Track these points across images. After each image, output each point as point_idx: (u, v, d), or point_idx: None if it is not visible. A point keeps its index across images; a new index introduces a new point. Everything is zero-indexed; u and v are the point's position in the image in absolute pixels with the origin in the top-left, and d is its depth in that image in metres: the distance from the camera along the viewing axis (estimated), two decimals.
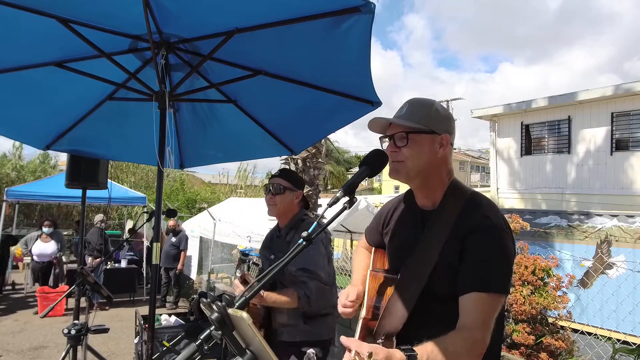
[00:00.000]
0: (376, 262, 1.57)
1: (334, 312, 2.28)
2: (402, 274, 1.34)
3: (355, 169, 6.83)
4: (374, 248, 1.63)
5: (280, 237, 2.36)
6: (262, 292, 1.96)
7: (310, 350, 1.24)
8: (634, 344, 4.52)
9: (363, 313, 1.38)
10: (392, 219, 1.53)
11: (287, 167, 6.48)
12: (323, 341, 2.23)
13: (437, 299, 1.28)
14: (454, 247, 1.26)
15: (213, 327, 1.02)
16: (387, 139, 1.38)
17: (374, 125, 1.40)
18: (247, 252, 2.45)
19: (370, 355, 0.95)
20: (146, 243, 9.56)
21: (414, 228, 1.39)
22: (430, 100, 1.40)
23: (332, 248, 12.12)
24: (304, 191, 6.42)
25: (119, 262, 9.10)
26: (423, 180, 1.37)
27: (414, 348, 1.08)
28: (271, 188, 2.31)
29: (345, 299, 1.44)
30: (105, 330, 3.14)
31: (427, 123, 1.32)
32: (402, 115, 1.36)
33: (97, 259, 7.88)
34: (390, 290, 1.35)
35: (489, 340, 1.17)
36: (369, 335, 1.34)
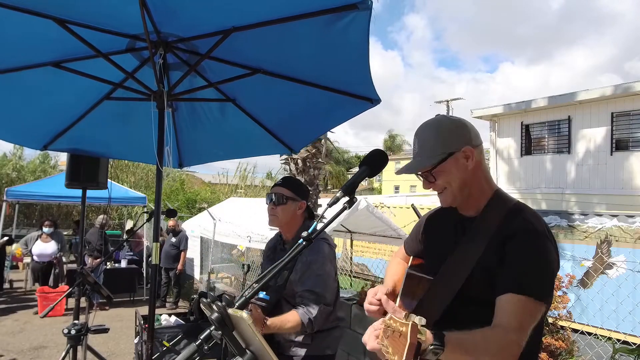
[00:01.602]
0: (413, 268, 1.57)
1: (340, 324, 2.26)
2: (439, 274, 1.35)
3: (355, 169, 6.82)
4: (412, 257, 1.62)
5: (285, 251, 2.25)
6: (265, 320, 1.91)
7: None
8: (634, 344, 4.51)
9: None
10: (431, 226, 1.55)
11: (287, 167, 6.48)
12: (327, 356, 2.19)
13: (474, 303, 1.27)
14: (494, 252, 1.25)
15: (213, 327, 1.02)
16: (420, 177, 1.41)
17: (402, 173, 1.42)
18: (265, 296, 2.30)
19: (407, 315, 0.96)
20: (146, 243, 9.55)
21: (454, 233, 1.40)
22: (436, 123, 1.38)
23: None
24: None
25: (119, 262, 9.10)
26: (468, 196, 1.37)
27: (444, 332, 1.07)
28: (273, 198, 2.20)
29: (372, 296, 1.42)
30: (105, 330, 3.14)
31: (442, 149, 1.32)
32: (417, 154, 1.38)
33: (97, 259, 7.88)
34: (423, 291, 1.36)
35: (524, 347, 1.14)
36: None
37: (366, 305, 1.43)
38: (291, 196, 2.19)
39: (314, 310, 2.00)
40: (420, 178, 1.40)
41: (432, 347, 1.04)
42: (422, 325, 0.98)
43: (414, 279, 1.41)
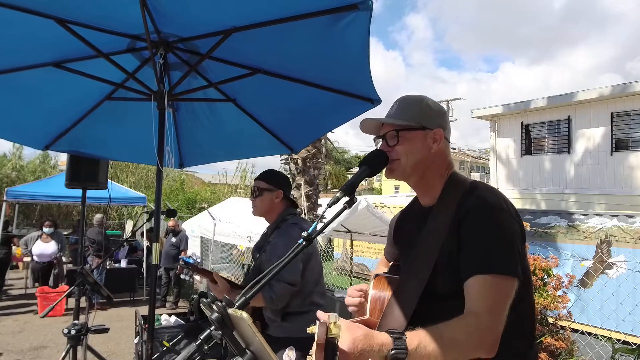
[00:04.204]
0: (391, 272, 1.54)
1: (314, 309, 2.31)
2: (402, 271, 1.31)
3: (355, 169, 6.82)
4: (391, 263, 1.60)
5: (267, 236, 2.44)
6: (231, 291, 2.13)
7: (286, 354, 1.28)
8: (634, 344, 4.51)
9: (367, 314, 1.35)
10: (401, 228, 1.52)
11: (287, 167, 6.48)
12: (303, 338, 2.25)
13: (442, 297, 1.20)
14: (453, 235, 1.19)
15: (213, 327, 1.02)
16: (380, 139, 1.37)
17: (365, 127, 1.39)
18: (188, 260, 2.61)
19: (335, 323, 0.91)
20: (146, 243, 9.56)
21: (417, 227, 1.35)
22: (420, 96, 1.39)
23: (332, 248, 12.15)
24: (305, 191, 6.37)
25: (119, 262, 9.11)
26: (420, 177, 1.34)
27: (405, 332, 1.01)
28: (252, 192, 2.44)
29: (353, 289, 1.42)
30: (105, 330, 3.14)
31: (417, 119, 1.31)
32: (391, 114, 1.36)
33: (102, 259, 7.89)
34: (392, 291, 1.31)
35: (502, 331, 1.06)
36: None
37: (347, 299, 1.42)
38: (266, 187, 2.39)
39: (275, 289, 2.15)
40: (380, 141, 1.36)
41: (392, 352, 0.96)
42: (335, 323, 0.91)
43: (383, 281, 1.36)
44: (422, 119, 1.31)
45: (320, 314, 1.05)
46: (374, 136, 1.41)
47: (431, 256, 1.22)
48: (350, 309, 1.41)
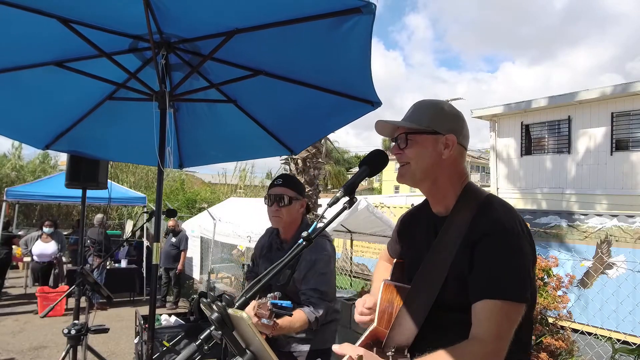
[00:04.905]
0: (395, 273, 1.53)
1: (337, 317, 2.28)
2: (413, 283, 1.30)
3: (355, 169, 6.82)
4: (395, 260, 1.58)
5: (283, 250, 2.25)
6: (275, 322, 1.83)
7: None
8: (634, 344, 4.51)
9: (375, 322, 1.35)
10: (408, 228, 1.49)
11: (287, 167, 6.48)
12: (329, 349, 2.18)
13: (451, 309, 1.21)
14: (466, 254, 1.19)
15: (213, 327, 1.02)
16: (394, 142, 1.36)
17: (379, 129, 1.38)
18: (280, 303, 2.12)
19: (360, 358, 0.94)
20: (146, 243, 9.55)
21: (427, 236, 1.34)
22: (436, 101, 1.37)
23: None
24: (305, 191, 6.35)
25: (119, 262, 9.11)
26: (431, 184, 1.32)
27: None
28: (277, 199, 2.15)
29: (362, 306, 1.40)
30: (105, 330, 3.14)
31: (429, 123, 1.29)
32: (405, 117, 1.35)
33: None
34: (401, 301, 1.30)
35: (506, 353, 1.09)
36: (376, 345, 1.30)
37: (357, 317, 1.41)
38: (294, 196, 2.16)
39: (320, 309, 2.02)
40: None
41: None
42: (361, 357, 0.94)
43: (392, 289, 1.35)
44: (433, 123, 1.29)
45: (338, 349, 1.11)
46: (391, 138, 1.40)
47: (442, 270, 1.22)
48: (361, 325, 1.41)
